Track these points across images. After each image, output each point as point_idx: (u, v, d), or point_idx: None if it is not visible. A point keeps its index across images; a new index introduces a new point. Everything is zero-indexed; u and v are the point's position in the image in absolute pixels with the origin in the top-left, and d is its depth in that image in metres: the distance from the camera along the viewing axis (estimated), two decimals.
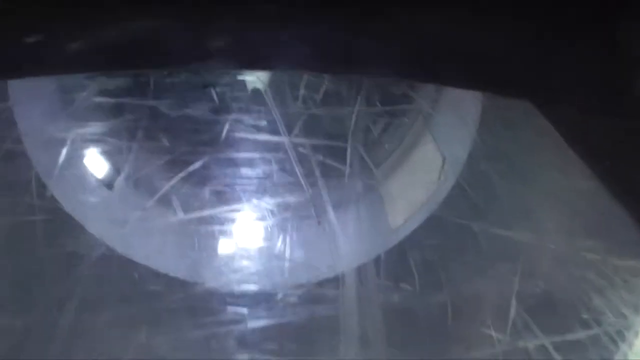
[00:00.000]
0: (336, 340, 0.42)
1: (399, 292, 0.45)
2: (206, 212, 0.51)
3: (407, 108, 0.66)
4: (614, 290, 0.44)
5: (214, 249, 0.49)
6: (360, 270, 0.46)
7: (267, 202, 0.53)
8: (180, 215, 0.51)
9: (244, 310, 0.44)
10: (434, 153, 0.61)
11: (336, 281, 0.46)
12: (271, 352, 0.41)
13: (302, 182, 0.55)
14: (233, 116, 0.61)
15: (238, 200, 0.53)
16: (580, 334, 0.42)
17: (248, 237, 0.50)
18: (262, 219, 0.52)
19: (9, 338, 0.41)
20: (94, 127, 0.60)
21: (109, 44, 0.66)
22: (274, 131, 0.59)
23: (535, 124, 0.63)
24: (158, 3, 0.69)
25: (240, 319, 0.43)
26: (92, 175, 0.55)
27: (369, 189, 0.56)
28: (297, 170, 0.56)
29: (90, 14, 0.66)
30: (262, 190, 0.54)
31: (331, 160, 0.57)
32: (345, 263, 0.47)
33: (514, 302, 0.43)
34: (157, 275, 0.47)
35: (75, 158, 0.57)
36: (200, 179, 0.54)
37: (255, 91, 0.64)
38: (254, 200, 0.53)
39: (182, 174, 0.54)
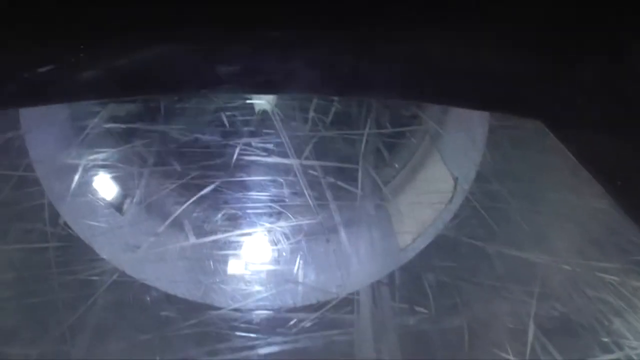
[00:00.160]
0: None
1: (414, 315, 0.45)
2: (218, 237, 0.51)
3: (416, 129, 0.66)
4: (634, 312, 0.44)
5: (227, 274, 0.49)
6: (374, 294, 0.46)
7: (279, 226, 0.52)
8: (193, 239, 0.51)
9: (258, 336, 0.43)
10: (443, 173, 0.61)
11: (351, 305, 0.45)
12: None
13: (314, 204, 0.55)
14: (243, 140, 0.61)
15: (250, 224, 0.53)
16: (602, 359, 0.41)
17: (260, 261, 0.50)
18: (274, 242, 0.51)
19: None
20: (106, 153, 0.60)
21: (119, 70, 0.66)
22: (285, 154, 0.60)
23: (545, 144, 0.63)
24: (166, 30, 0.69)
25: (253, 345, 0.43)
26: (104, 201, 0.56)
27: (381, 211, 0.56)
28: (309, 193, 0.56)
29: (99, 42, 0.67)
30: (273, 214, 0.54)
31: (342, 183, 0.57)
32: (359, 286, 0.47)
33: (531, 326, 0.43)
34: (169, 301, 0.46)
35: (87, 184, 0.57)
36: (212, 203, 0.54)
37: (265, 115, 0.64)
38: (266, 224, 0.53)
39: (193, 199, 0.54)
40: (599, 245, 0.51)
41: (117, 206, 0.55)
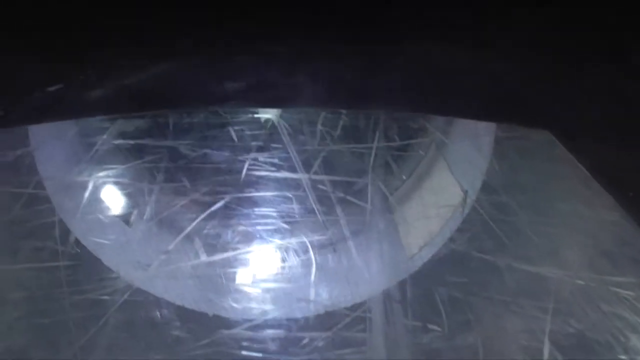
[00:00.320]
0: None
1: (427, 333, 0.44)
2: (229, 254, 0.51)
3: (424, 141, 0.66)
4: None
5: (238, 292, 0.49)
6: (387, 311, 0.46)
7: (289, 242, 0.52)
8: (203, 257, 0.51)
9: (270, 356, 0.43)
10: (450, 182, 0.61)
11: (363, 323, 0.45)
12: None
13: (324, 220, 0.54)
14: (252, 155, 0.61)
15: (260, 240, 0.53)
16: None
17: (271, 278, 0.50)
18: (285, 259, 0.51)
19: None
20: (115, 170, 0.60)
21: (128, 87, 0.67)
22: (293, 169, 0.60)
23: (554, 154, 0.63)
24: (173, 47, 0.70)
25: None
26: (114, 218, 0.56)
27: (391, 225, 0.55)
28: (318, 208, 0.56)
29: (108, 60, 0.67)
30: (283, 230, 0.54)
31: (352, 197, 0.57)
32: (372, 303, 0.47)
33: (547, 343, 0.42)
34: (181, 320, 0.46)
35: (97, 201, 0.57)
36: (222, 219, 0.54)
37: (273, 129, 0.64)
38: (276, 241, 0.53)
39: (203, 215, 0.54)
40: (612, 258, 0.51)
41: (128, 223, 0.55)
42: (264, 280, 0.50)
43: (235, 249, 0.52)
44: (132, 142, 0.63)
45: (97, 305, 0.46)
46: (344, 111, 0.67)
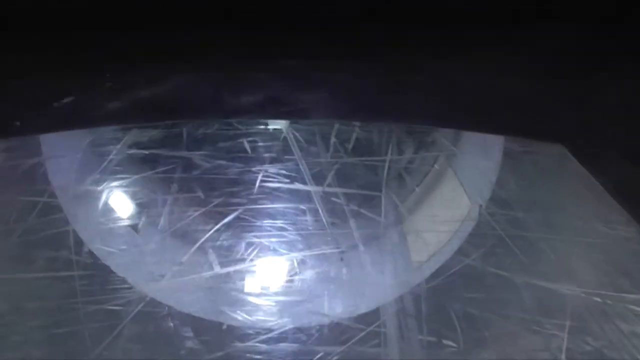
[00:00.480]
0: None
1: (442, 349, 0.44)
2: (242, 266, 0.51)
3: (437, 154, 0.65)
4: None
5: (251, 305, 0.48)
6: (401, 326, 0.45)
7: (304, 255, 0.52)
8: (217, 269, 0.51)
9: None
10: (461, 196, 0.60)
11: (378, 338, 0.45)
12: None
13: (337, 233, 0.54)
14: (265, 167, 0.61)
15: (274, 253, 0.53)
16: None
17: (285, 291, 0.50)
18: (299, 272, 0.51)
19: None
20: (129, 180, 0.60)
21: (144, 99, 0.67)
22: (307, 181, 0.60)
23: (569, 169, 0.63)
24: (188, 60, 0.70)
25: None
26: (127, 228, 0.56)
27: (406, 239, 0.55)
28: (332, 221, 0.55)
29: (124, 72, 0.68)
30: (297, 243, 0.53)
31: (366, 210, 0.57)
32: (386, 317, 0.46)
33: None
34: (195, 331, 0.46)
35: (110, 211, 0.57)
36: (235, 231, 0.54)
37: (287, 142, 0.65)
38: (290, 253, 0.52)
39: (217, 227, 0.54)
40: (629, 276, 0.50)
41: (142, 234, 0.55)
42: (278, 293, 0.49)
43: (248, 260, 0.52)
44: (146, 152, 0.63)
45: (111, 316, 0.46)
46: (357, 124, 0.67)
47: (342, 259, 0.51)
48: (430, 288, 0.49)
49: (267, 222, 0.55)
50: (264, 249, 0.53)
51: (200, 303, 0.48)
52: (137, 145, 0.64)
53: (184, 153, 0.63)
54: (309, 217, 0.56)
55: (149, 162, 0.62)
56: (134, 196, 0.59)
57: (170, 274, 0.50)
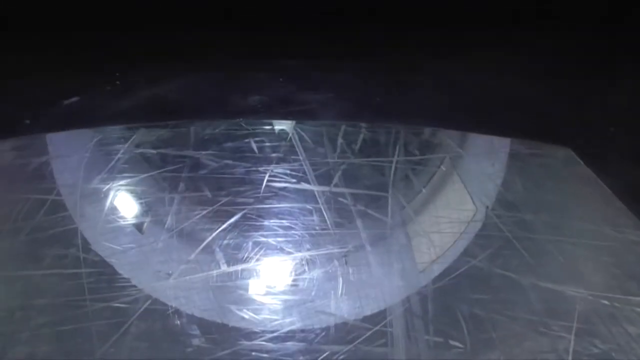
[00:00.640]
0: None
1: (449, 349, 0.44)
2: (249, 265, 0.51)
3: (444, 156, 0.65)
4: None
5: (258, 303, 0.48)
6: (408, 326, 0.45)
7: (310, 254, 0.52)
8: (224, 267, 0.51)
9: None
10: (466, 198, 0.60)
11: (384, 337, 0.45)
12: None
13: (344, 233, 0.54)
14: (272, 166, 0.61)
15: (280, 252, 0.53)
16: None
17: (291, 290, 0.50)
18: (305, 271, 0.51)
19: None
20: (136, 179, 0.61)
21: (153, 98, 0.68)
22: (313, 181, 0.60)
23: (576, 172, 0.62)
24: (198, 61, 0.71)
25: None
26: (134, 227, 0.56)
27: (412, 240, 0.55)
28: (338, 221, 0.56)
29: (132, 72, 0.68)
30: (303, 242, 0.53)
31: (372, 211, 0.57)
32: (393, 317, 0.46)
33: None
34: (202, 330, 0.46)
35: (117, 210, 0.57)
36: (242, 230, 0.54)
37: (294, 142, 0.65)
38: (296, 253, 0.52)
39: (223, 226, 0.55)
40: (637, 279, 0.50)
41: (148, 233, 0.55)
42: (284, 292, 0.50)
43: (255, 260, 0.52)
44: (153, 151, 0.64)
45: (118, 314, 0.46)
46: (364, 125, 0.67)
47: (346, 262, 0.51)
48: (437, 289, 0.49)
49: (273, 222, 0.55)
50: (271, 249, 0.53)
51: (206, 301, 0.48)
52: (145, 144, 0.65)
53: (191, 153, 0.63)
54: (315, 217, 0.56)
55: (156, 161, 0.62)
56: (141, 195, 0.59)
57: (177, 273, 0.50)
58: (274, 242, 0.53)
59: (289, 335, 0.45)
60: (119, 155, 0.63)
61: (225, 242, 0.53)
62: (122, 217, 0.57)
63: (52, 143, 0.65)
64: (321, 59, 0.70)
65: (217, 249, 0.53)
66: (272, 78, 0.70)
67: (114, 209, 0.57)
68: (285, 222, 0.55)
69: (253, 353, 0.44)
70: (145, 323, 0.46)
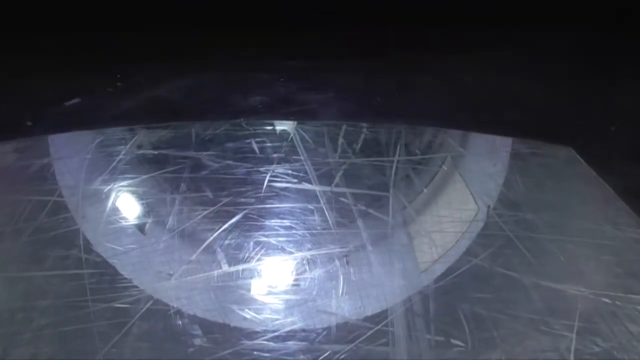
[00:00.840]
0: None
1: (450, 348, 0.44)
2: (250, 265, 0.51)
3: (445, 155, 0.65)
4: None
5: (260, 303, 0.48)
6: (409, 325, 0.45)
7: (311, 254, 0.52)
8: (225, 267, 0.51)
9: None
10: (468, 198, 0.60)
11: (386, 337, 0.45)
12: None
13: (345, 232, 0.54)
14: (273, 167, 0.61)
15: (281, 252, 0.53)
16: None
17: (293, 290, 0.50)
18: (307, 271, 0.51)
19: None
20: (137, 180, 0.61)
21: (154, 99, 0.68)
22: (315, 181, 0.60)
23: (577, 171, 0.62)
24: (200, 62, 0.71)
25: None
26: (136, 228, 0.56)
27: (413, 239, 0.55)
28: (340, 221, 0.56)
29: (134, 73, 0.68)
30: (305, 242, 0.54)
31: (373, 210, 0.57)
32: (394, 316, 0.46)
33: None
34: (203, 329, 0.46)
35: (119, 211, 0.57)
36: (243, 230, 0.54)
37: (295, 142, 0.65)
38: (298, 252, 0.53)
39: (225, 226, 0.55)
40: (638, 277, 0.50)
41: (150, 233, 0.55)
42: (285, 292, 0.50)
43: (256, 259, 0.52)
44: (154, 152, 0.64)
45: (120, 314, 0.46)
46: (365, 124, 0.67)
47: (347, 262, 0.51)
48: (439, 288, 0.49)
49: (274, 222, 0.55)
50: (272, 248, 0.53)
51: (208, 301, 0.48)
52: (146, 145, 0.65)
53: (192, 153, 0.63)
54: (316, 217, 0.56)
55: (157, 162, 0.63)
56: (142, 196, 0.59)
57: (179, 273, 0.51)
58: (275, 242, 0.53)
59: (291, 335, 0.45)
60: (120, 157, 0.63)
61: (227, 242, 0.53)
62: (123, 218, 0.57)
63: (53, 144, 0.65)
64: (322, 59, 0.70)
65: (219, 249, 0.53)
66: (273, 78, 0.70)
67: (115, 210, 0.57)
68: (286, 222, 0.55)
69: (255, 352, 0.44)
70: (147, 323, 0.46)
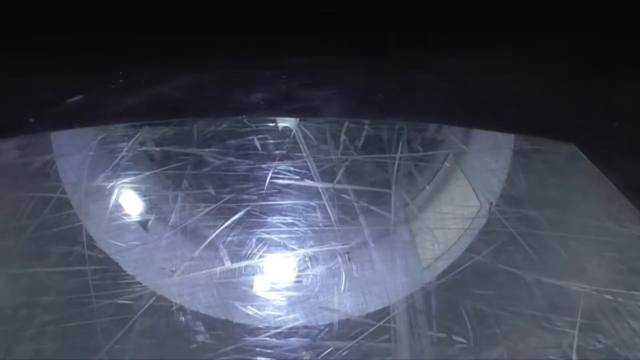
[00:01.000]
0: None
1: (452, 345, 0.44)
2: (252, 262, 0.51)
3: (447, 152, 0.65)
4: None
5: (262, 299, 0.49)
6: (411, 322, 0.45)
7: (313, 251, 0.52)
8: (227, 264, 0.51)
9: None
10: (470, 194, 0.60)
11: (388, 333, 0.45)
12: None
13: (348, 229, 0.54)
14: (276, 164, 0.61)
15: (284, 249, 0.53)
16: None
17: (295, 287, 0.50)
18: (309, 268, 0.51)
19: None
20: (140, 177, 0.61)
21: (156, 96, 0.68)
22: (317, 178, 0.60)
23: (580, 168, 0.62)
24: (201, 59, 0.71)
25: None
26: (138, 224, 0.56)
27: (415, 236, 0.55)
28: (342, 217, 0.56)
29: (136, 70, 0.68)
30: (307, 239, 0.54)
31: (375, 207, 0.57)
32: (396, 313, 0.46)
33: (574, 358, 0.42)
34: (206, 326, 0.46)
35: (121, 207, 0.57)
36: (246, 227, 0.55)
37: (297, 139, 0.65)
38: (300, 249, 0.53)
39: (227, 223, 0.55)
40: None
41: (153, 230, 0.55)
42: (288, 288, 0.50)
43: (259, 256, 0.52)
44: (157, 149, 0.64)
45: (122, 310, 0.46)
46: (367, 121, 0.67)
47: (349, 259, 0.51)
48: (441, 285, 0.49)
49: (277, 219, 0.55)
50: (274, 245, 0.53)
51: (211, 298, 0.48)
52: (148, 142, 0.65)
53: (194, 150, 0.63)
54: (318, 214, 0.56)
55: (160, 159, 0.63)
56: (145, 193, 0.59)
57: (182, 270, 0.51)
58: (277, 239, 0.53)
59: (293, 331, 0.45)
60: (122, 153, 0.63)
61: (229, 239, 0.53)
62: (126, 215, 0.57)
63: (56, 141, 0.65)
64: (323, 56, 0.70)
65: (221, 246, 0.53)
66: (274, 75, 0.70)
67: (118, 207, 0.57)
68: (288, 219, 0.55)
69: (257, 349, 0.44)
70: (150, 320, 0.46)
